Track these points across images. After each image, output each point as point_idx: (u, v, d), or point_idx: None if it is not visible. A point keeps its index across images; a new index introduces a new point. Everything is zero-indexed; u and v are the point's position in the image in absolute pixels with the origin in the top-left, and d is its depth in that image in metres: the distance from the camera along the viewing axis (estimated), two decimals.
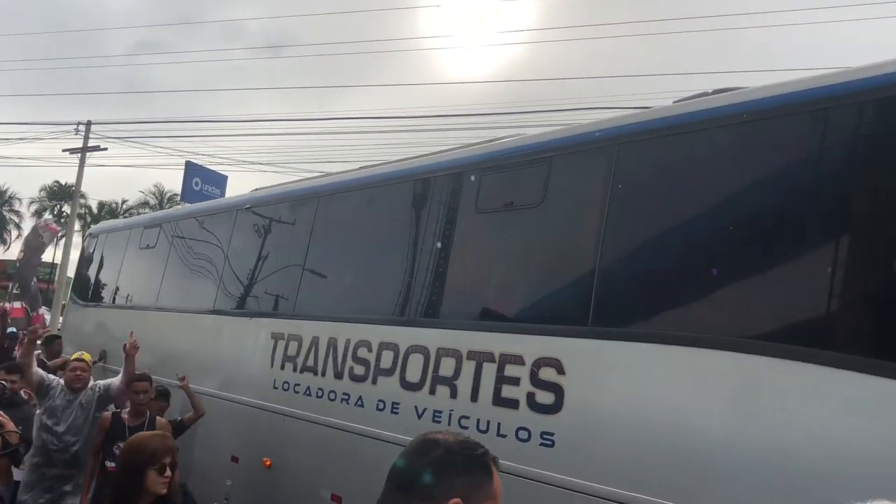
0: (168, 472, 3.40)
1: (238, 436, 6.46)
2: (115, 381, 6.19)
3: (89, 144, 27.96)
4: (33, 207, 56.32)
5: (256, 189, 8.16)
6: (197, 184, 23.16)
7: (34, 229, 13.20)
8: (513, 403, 4.16)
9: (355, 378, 5.29)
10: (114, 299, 9.82)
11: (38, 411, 5.90)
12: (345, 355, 5.43)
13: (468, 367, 4.46)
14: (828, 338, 3.19)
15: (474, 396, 4.38)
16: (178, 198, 28.26)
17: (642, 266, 4.01)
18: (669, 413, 3.55)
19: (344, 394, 5.37)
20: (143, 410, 5.83)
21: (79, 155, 28.07)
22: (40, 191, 56.94)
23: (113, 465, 5.37)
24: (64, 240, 29.04)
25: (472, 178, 5.02)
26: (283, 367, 6.05)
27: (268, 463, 5.99)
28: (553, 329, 4.19)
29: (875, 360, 2.96)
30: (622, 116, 4.47)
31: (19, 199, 59.47)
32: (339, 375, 5.45)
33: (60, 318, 12.15)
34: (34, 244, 12.95)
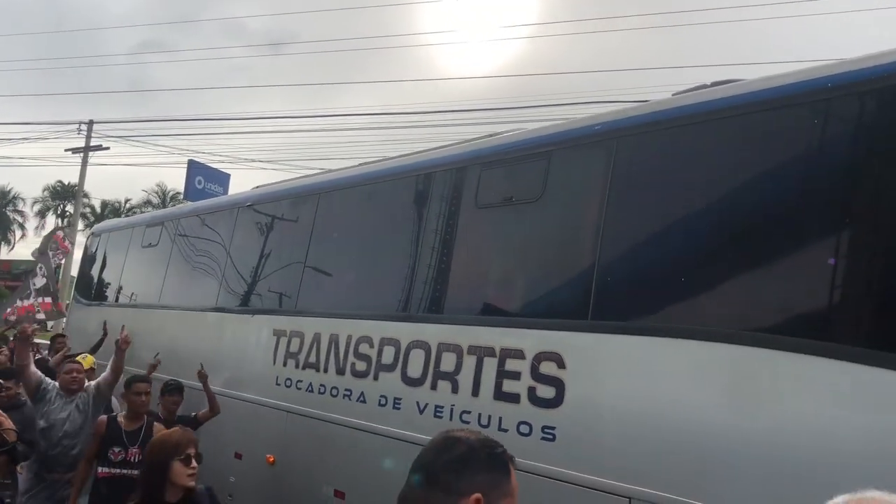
0: (194, 463, 3.41)
1: (241, 432, 6.48)
2: (104, 377, 5.97)
3: (91, 144, 28.02)
4: (37, 207, 56.48)
5: (257, 186, 8.18)
6: (200, 182, 23.22)
7: (48, 237, 13.22)
8: (514, 398, 4.17)
9: (357, 374, 5.31)
10: (117, 298, 9.85)
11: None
12: (346, 351, 5.44)
13: (469, 362, 4.47)
14: (828, 329, 3.19)
15: (475, 391, 4.39)
16: (182, 196, 28.28)
17: (642, 259, 4.01)
18: (670, 406, 3.56)
19: (346, 390, 5.38)
20: (141, 413, 5.56)
21: (81, 154, 28.13)
22: (43, 191, 57.08)
23: (107, 470, 5.22)
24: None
25: (472, 173, 5.02)
26: (285, 364, 6.07)
27: (271, 459, 6.01)
28: (553, 323, 4.20)
29: (877, 351, 2.96)
30: (621, 110, 4.46)
31: (23, 199, 59.61)
32: (341, 371, 5.47)
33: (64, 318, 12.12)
34: (44, 254, 12.96)
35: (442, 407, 4.57)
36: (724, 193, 3.73)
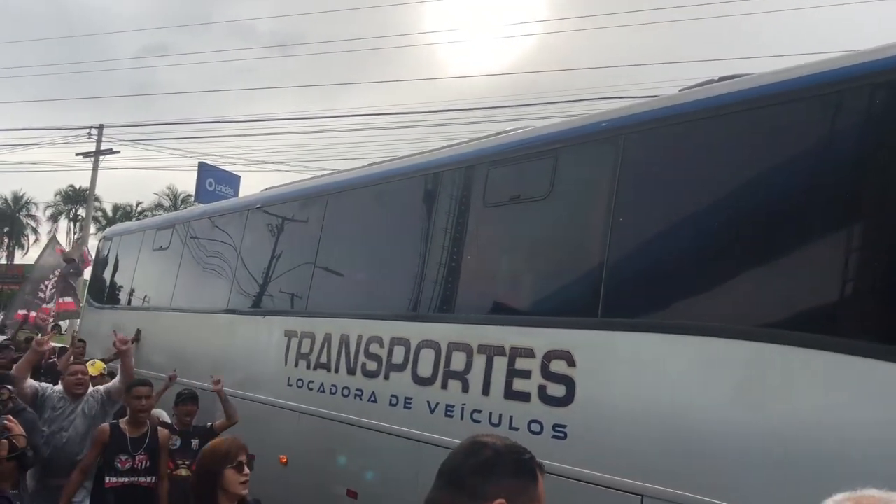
0: (246, 471, 3.36)
1: (254, 433, 6.47)
2: (113, 383, 5.83)
3: (102, 148, 28.13)
4: (49, 212, 56.91)
5: (267, 188, 8.20)
6: (210, 184, 23.27)
7: (78, 246, 13.37)
8: (524, 396, 4.17)
9: (368, 374, 5.32)
10: (129, 301, 9.91)
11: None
12: (357, 351, 5.46)
13: (479, 361, 4.47)
14: (841, 324, 3.17)
15: (486, 390, 4.39)
16: (192, 199, 28.38)
17: (651, 256, 4.00)
18: (681, 403, 3.55)
19: (357, 390, 5.39)
20: (144, 419, 5.29)
21: (92, 158, 28.27)
22: (56, 195, 57.56)
23: (115, 480, 5.01)
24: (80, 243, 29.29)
25: (480, 172, 5.02)
26: (296, 365, 6.09)
27: (284, 460, 6.02)
28: (563, 321, 4.19)
29: (891, 345, 2.94)
30: (628, 106, 4.46)
31: (35, 204, 60.11)
32: (351, 371, 5.48)
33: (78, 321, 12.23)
34: (73, 262, 13.08)
35: (453, 406, 4.57)
36: (733, 189, 3.71)
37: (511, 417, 4.22)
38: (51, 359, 8.91)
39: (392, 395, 5.06)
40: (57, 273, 12.53)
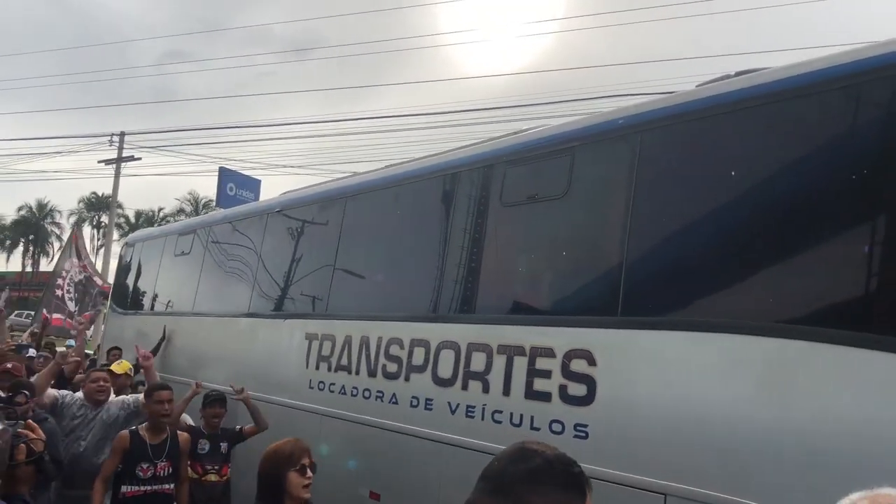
0: (309, 473, 3.35)
1: (276, 436, 6.52)
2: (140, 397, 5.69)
3: (124, 155, 28.44)
4: (73, 219, 57.67)
5: (286, 192, 8.24)
6: (231, 189, 23.46)
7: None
8: (545, 396, 4.16)
9: (388, 376, 5.33)
10: (152, 306, 10.00)
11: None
12: (377, 353, 5.47)
13: (499, 362, 4.46)
14: (864, 319, 3.13)
15: (506, 390, 4.38)
16: (214, 203, 28.62)
17: (671, 253, 3.97)
18: (703, 401, 3.52)
19: (378, 391, 5.40)
20: (163, 425, 5.19)
21: (114, 166, 28.58)
22: (79, 202, 58.35)
23: (136, 488, 4.90)
24: (103, 249, 29.66)
25: (496, 171, 5.02)
26: (317, 367, 6.11)
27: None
28: (583, 320, 4.17)
29: None
30: (645, 103, 4.42)
31: (59, 212, 61.00)
32: (372, 373, 5.49)
33: (102, 327, 12.36)
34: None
35: (473, 407, 4.57)
36: (753, 184, 3.67)
37: (532, 417, 4.20)
38: (80, 372, 8.96)
39: (413, 397, 5.07)
40: (75, 267, 12.65)
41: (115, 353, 9.52)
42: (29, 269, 60.29)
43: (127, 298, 10.86)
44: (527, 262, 4.83)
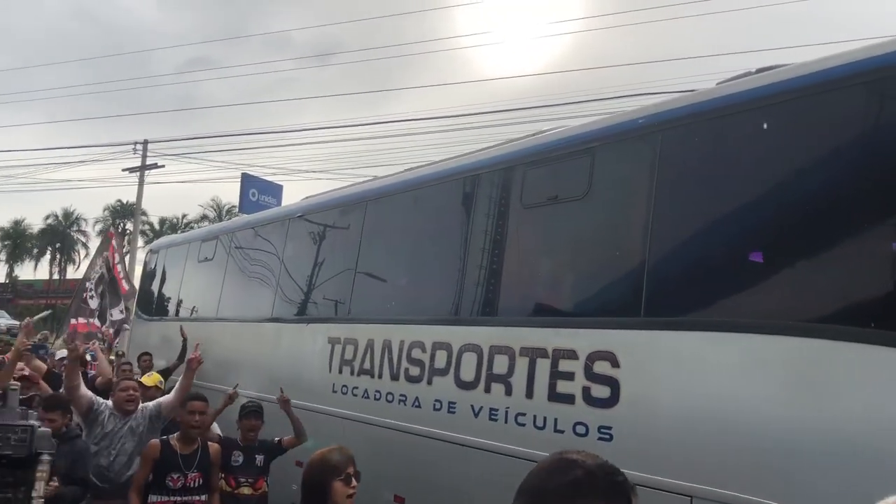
0: (354, 483, 3.28)
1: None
2: (168, 398, 5.62)
3: (147, 162, 28.74)
4: (98, 227, 58.37)
5: (307, 197, 8.28)
6: (254, 195, 23.59)
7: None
8: (568, 398, 4.13)
9: (411, 379, 5.33)
10: (177, 312, 10.09)
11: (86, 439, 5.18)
12: (400, 357, 5.47)
13: (522, 364, 4.44)
14: (888, 317, 3.08)
15: (529, 393, 4.36)
16: (237, 209, 28.83)
17: (693, 253, 3.93)
18: (729, 401, 3.48)
19: (401, 395, 5.41)
20: (195, 435, 5.07)
21: (138, 173, 28.89)
22: (104, 210, 59.04)
23: (166, 499, 4.84)
24: (128, 256, 29.98)
25: (517, 173, 5.00)
26: (340, 371, 6.13)
27: None
28: (605, 322, 4.15)
29: None
30: (665, 102, 4.38)
31: (85, 220, 61.78)
32: (395, 377, 5.49)
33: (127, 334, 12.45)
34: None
35: (496, 410, 4.55)
36: (776, 182, 3.63)
37: (556, 420, 4.18)
38: (90, 371, 9.03)
39: (436, 400, 5.06)
40: (100, 273, 12.73)
41: (146, 359, 9.38)
42: (56, 276, 61.13)
43: (152, 305, 10.97)
44: (548, 264, 4.81)
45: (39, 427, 3.63)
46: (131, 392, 5.39)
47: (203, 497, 4.98)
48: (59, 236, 62.02)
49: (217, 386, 7.20)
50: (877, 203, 3.21)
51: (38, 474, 3.32)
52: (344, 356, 6.13)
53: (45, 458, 3.35)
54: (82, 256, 60.00)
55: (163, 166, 29.29)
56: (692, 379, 3.66)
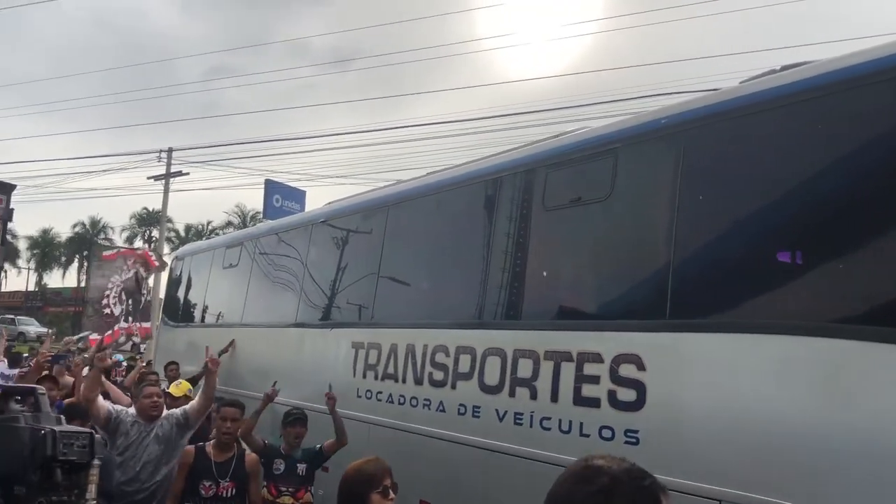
0: (391, 495, 3.22)
1: None
2: (193, 404, 5.45)
3: (172, 170, 29.04)
4: (125, 235, 59.09)
5: (330, 202, 8.31)
6: (277, 200, 23.78)
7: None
8: (594, 402, 4.10)
9: (435, 383, 5.32)
10: (203, 318, 10.17)
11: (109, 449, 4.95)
12: (423, 361, 5.46)
13: (546, 368, 4.41)
14: None
15: (554, 397, 4.33)
16: (261, 216, 29.06)
17: (718, 254, 3.89)
18: (757, 404, 3.43)
19: (425, 399, 5.39)
20: (231, 442, 4.98)
21: (163, 181, 29.21)
22: (130, 218, 59.77)
23: None
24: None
25: (539, 175, 4.98)
26: (364, 376, 6.13)
27: None
28: (630, 324, 4.11)
29: None
30: (688, 101, 4.34)
31: (112, 228, 62.58)
32: (419, 381, 5.48)
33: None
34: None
35: (521, 414, 4.53)
36: (801, 181, 3.58)
37: (581, 424, 4.15)
38: (117, 378, 9.10)
39: (460, 404, 5.04)
40: (121, 282, 12.86)
41: (173, 367, 9.31)
42: (83, 284, 61.92)
43: (178, 311, 11.07)
44: (571, 267, 4.78)
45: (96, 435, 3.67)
46: (154, 399, 5.27)
47: None
48: (87, 244, 62.79)
49: (242, 392, 7.25)
50: None
51: (91, 478, 3.38)
52: (368, 361, 6.13)
53: (96, 462, 3.40)
54: None
55: (187, 174, 29.66)
56: (719, 381, 3.61)
